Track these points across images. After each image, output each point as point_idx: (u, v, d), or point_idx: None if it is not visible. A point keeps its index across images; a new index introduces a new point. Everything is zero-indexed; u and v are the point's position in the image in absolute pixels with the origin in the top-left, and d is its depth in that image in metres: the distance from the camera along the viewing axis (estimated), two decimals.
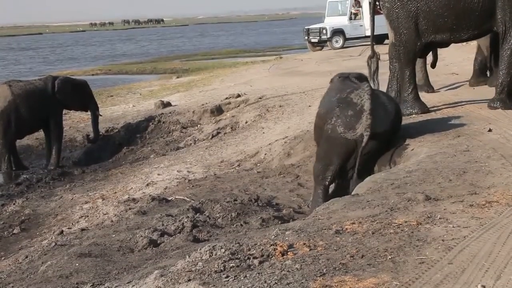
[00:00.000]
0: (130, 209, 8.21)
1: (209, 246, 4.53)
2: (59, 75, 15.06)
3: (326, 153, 7.34)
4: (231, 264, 4.17)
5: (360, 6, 28.24)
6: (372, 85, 10.10)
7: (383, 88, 10.11)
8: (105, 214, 8.48)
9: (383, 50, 12.10)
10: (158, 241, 6.31)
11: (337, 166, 7.30)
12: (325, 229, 4.75)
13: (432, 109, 9.60)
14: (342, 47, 27.65)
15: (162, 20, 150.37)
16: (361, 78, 7.91)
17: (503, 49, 9.18)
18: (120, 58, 44.59)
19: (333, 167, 7.33)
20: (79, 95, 13.93)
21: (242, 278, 3.95)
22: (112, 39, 78.19)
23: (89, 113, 14.40)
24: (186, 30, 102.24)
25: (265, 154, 10.28)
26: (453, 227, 4.57)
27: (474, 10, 8.96)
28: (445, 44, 10.29)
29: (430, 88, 11.56)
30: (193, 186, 9.20)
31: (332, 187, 7.56)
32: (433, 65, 11.64)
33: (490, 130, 7.84)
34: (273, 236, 4.70)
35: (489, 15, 9.03)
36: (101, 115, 14.42)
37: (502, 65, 9.20)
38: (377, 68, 9.94)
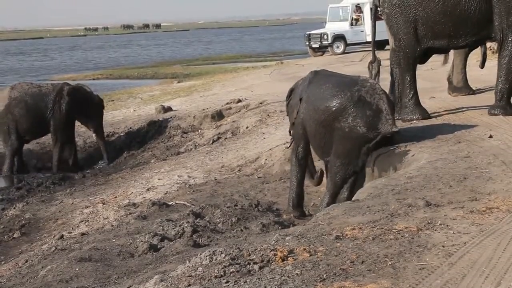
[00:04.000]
0: (130, 213, 8.21)
1: (209, 251, 4.53)
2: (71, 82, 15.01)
3: (348, 151, 7.35)
4: (231, 269, 4.17)
5: (361, 12, 28.27)
6: None
7: None
8: (106, 218, 8.49)
9: (384, 56, 12.11)
10: (158, 246, 6.31)
11: (357, 165, 7.38)
12: (325, 235, 4.74)
13: (433, 115, 9.61)
14: (343, 52, 27.66)
15: (159, 25, 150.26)
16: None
17: (501, 56, 9.20)
18: (120, 62, 44.63)
19: (352, 167, 7.40)
20: (85, 108, 13.80)
21: (242, 283, 3.95)
22: (112, 44, 78.24)
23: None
24: (187, 35, 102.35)
25: (266, 159, 10.28)
26: (454, 233, 4.57)
27: (471, 17, 8.99)
28: (444, 50, 10.31)
29: (470, 90, 11.55)
30: (193, 191, 9.20)
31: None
32: (482, 65, 11.63)
33: (491, 137, 7.83)
34: (273, 242, 4.70)
35: (486, 22, 9.05)
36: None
37: (500, 72, 9.21)
38: (378, 72, 9.95)
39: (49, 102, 13.49)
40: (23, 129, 13.50)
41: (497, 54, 9.48)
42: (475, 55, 14.83)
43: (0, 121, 13.47)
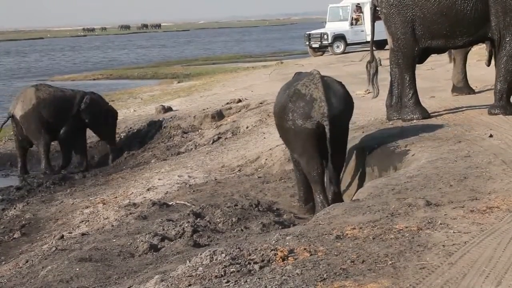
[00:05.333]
0: (130, 213, 8.21)
1: (210, 251, 4.53)
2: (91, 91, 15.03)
3: (303, 147, 7.41)
4: (232, 269, 4.17)
5: (361, 12, 28.27)
6: (371, 89, 10.13)
7: (383, 93, 10.13)
8: (106, 218, 8.48)
9: (385, 55, 12.12)
10: (159, 246, 6.31)
11: (318, 156, 7.35)
12: (325, 234, 4.75)
13: (433, 114, 9.62)
14: (343, 52, 27.67)
15: (159, 26, 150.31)
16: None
17: (499, 56, 9.22)
18: (120, 62, 44.63)
19: (316, 159, 7.38)
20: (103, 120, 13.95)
21: (243, 283, 3.95)
22: (112, 44, 78.27)
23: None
24: (187, 35, 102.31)
25: (266, 159, 10.28)
26: (454, 232, 4.57)
27: (467, 17, 9.00)
28: (442, 50, 10.33)
29: (471, 91, 11.57)
30: (193, 191, 9.20)
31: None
32: (489, 63, 11.62)
33: (491, 136, 7.84)
34: (273, 241, 4.70)
35: (483, 22, 9.06)
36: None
37: (499, 72, 9.22)
38: (376, 72, 9.95)
39: (71, 107, 13.58)
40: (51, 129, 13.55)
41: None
42: (476, 54, 14.84)
43: (26, 120, 13.40)
